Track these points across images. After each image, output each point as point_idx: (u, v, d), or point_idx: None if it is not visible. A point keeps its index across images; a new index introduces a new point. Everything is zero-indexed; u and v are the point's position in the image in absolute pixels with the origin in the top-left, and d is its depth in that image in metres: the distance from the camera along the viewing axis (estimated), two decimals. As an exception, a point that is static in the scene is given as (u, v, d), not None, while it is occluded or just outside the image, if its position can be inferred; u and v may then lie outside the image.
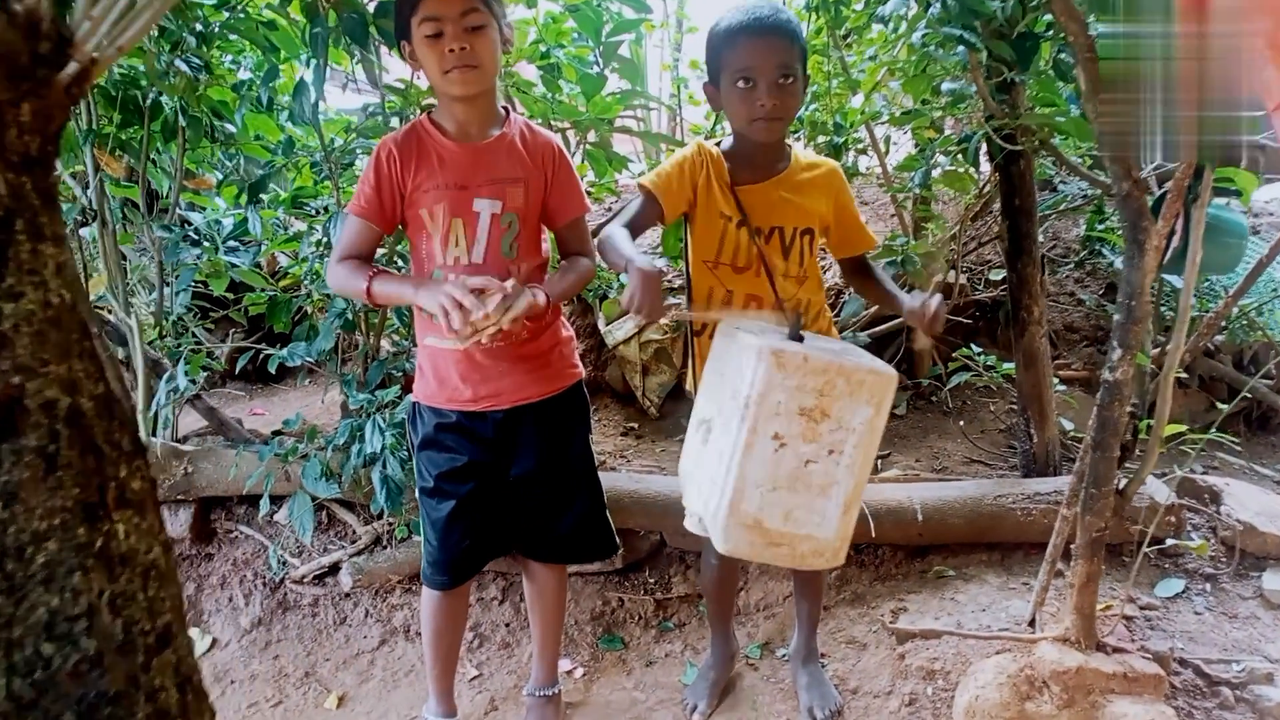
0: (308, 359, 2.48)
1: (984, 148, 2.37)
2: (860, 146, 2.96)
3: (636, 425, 3.38)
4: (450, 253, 1.87)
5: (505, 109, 1.96)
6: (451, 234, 1.87)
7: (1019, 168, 2.37)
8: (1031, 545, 2.47)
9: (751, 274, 1.90)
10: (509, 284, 1.70)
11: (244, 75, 2.90)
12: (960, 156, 2.27)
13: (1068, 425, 2.67)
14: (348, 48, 2.37)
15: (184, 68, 2.38)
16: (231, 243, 2.79)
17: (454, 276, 1.81)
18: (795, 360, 1.43)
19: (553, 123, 2.76)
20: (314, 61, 2.32)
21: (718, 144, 1.93)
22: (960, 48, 2.07)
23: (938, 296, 1.70)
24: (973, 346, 2.76)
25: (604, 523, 2.15)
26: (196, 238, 2.71)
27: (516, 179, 1.89)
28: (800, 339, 1.57)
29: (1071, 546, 2.01)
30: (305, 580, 2.71)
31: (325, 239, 2.48)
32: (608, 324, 3.33)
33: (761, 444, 1.46)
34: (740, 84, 1.75)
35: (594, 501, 2.13)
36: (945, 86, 1.98)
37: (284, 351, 2.48)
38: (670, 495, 2.53)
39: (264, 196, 2.84)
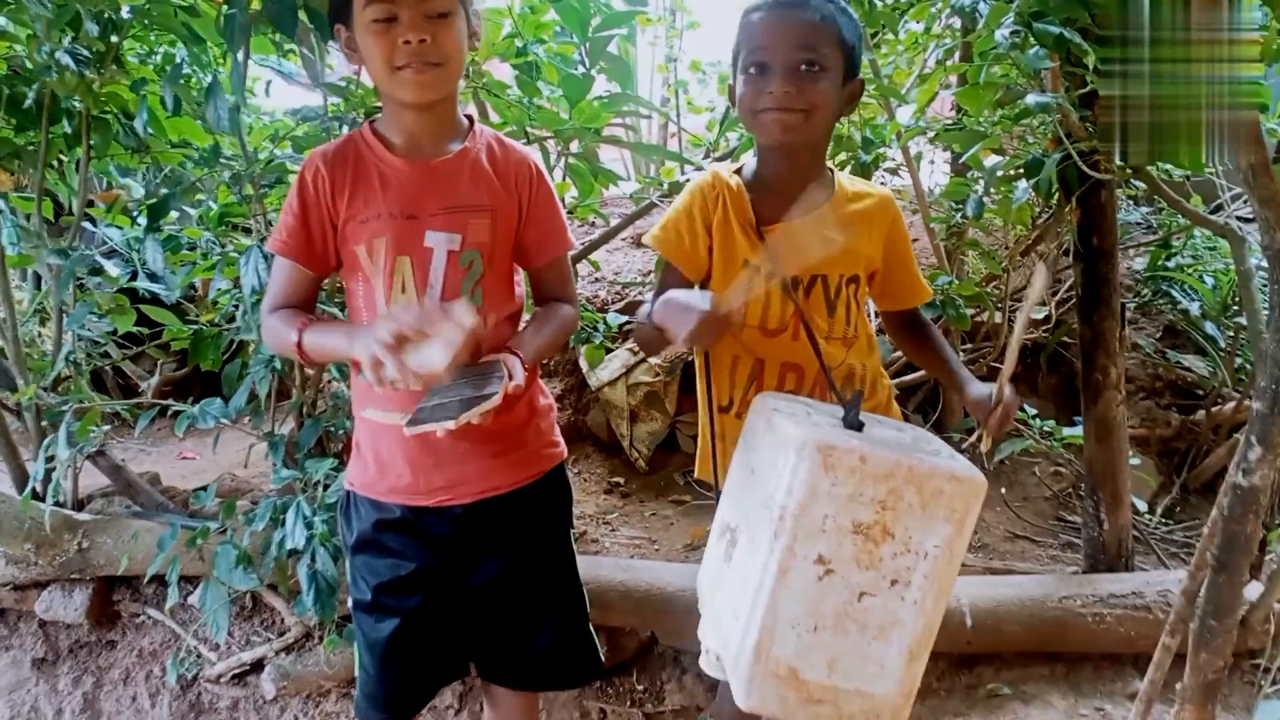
0: (224, 420, 2.01)
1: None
2: (890, 165, 2.54)
3: (622, 481, 2.93)
4: (395, 301, 1.44)
5: (469, 118, 1.54)
6: (396, 276, 1.44)
7: (1099, 199, 1.94)
8: (1102, 657, 2.05)
9: (787, 337, 1.48)
10: (460, 310, 1.22)
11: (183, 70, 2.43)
12: (1028, 184, 1.83)
13: (1140, 505, 2.24)
14: (273, 38, 1.93)
15: (68, 61, 1.90)
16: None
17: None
18: (849, 461, 1.10)
19: (529, 131, 2.32)
20: (231, 55, 1.87)
21: (738, 169, 1.50)
22: (1034, 50, 1.64)
23: (1010, 390, 1.33)
24: (1025, 408, 2.33)
25: (586, 638, 1.72)
26: (99, 265, 2.24)
27: (481, 207, 1.47)
28: (859, 426, 1.19)
29: (1178, 686, 1.60)
30: (223, 680, 2.25)
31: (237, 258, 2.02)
32: (591, 367, 2.88)
33: (800, 570, 1.12)
34: (752, 70, 1.37)
35: (574, 614, 1.69)
36: (1032, 99, 1.55)
37: (194, 410, 2.01)
38: (667, 587, 2.13)
39: (190, 210, 2.37)
